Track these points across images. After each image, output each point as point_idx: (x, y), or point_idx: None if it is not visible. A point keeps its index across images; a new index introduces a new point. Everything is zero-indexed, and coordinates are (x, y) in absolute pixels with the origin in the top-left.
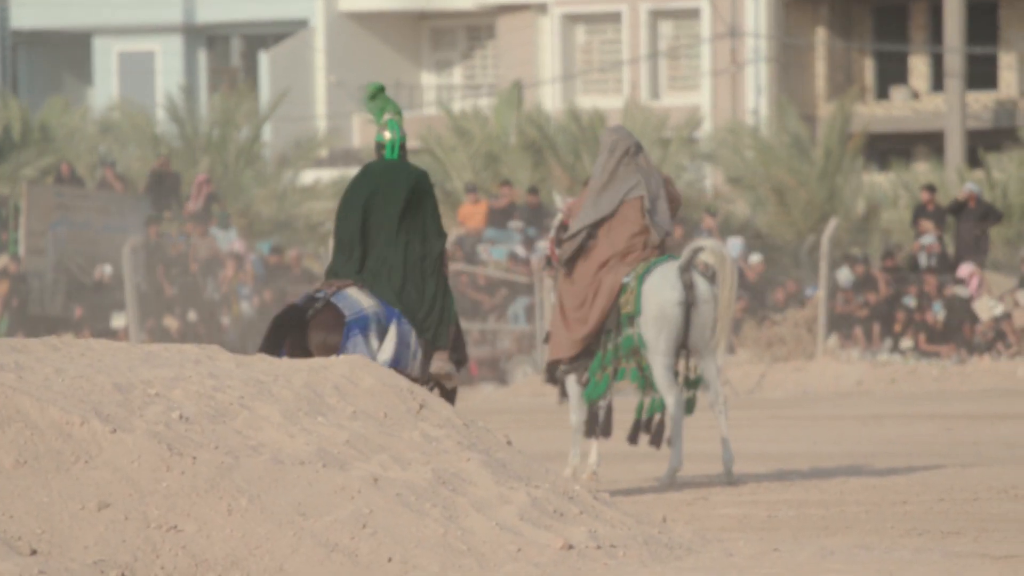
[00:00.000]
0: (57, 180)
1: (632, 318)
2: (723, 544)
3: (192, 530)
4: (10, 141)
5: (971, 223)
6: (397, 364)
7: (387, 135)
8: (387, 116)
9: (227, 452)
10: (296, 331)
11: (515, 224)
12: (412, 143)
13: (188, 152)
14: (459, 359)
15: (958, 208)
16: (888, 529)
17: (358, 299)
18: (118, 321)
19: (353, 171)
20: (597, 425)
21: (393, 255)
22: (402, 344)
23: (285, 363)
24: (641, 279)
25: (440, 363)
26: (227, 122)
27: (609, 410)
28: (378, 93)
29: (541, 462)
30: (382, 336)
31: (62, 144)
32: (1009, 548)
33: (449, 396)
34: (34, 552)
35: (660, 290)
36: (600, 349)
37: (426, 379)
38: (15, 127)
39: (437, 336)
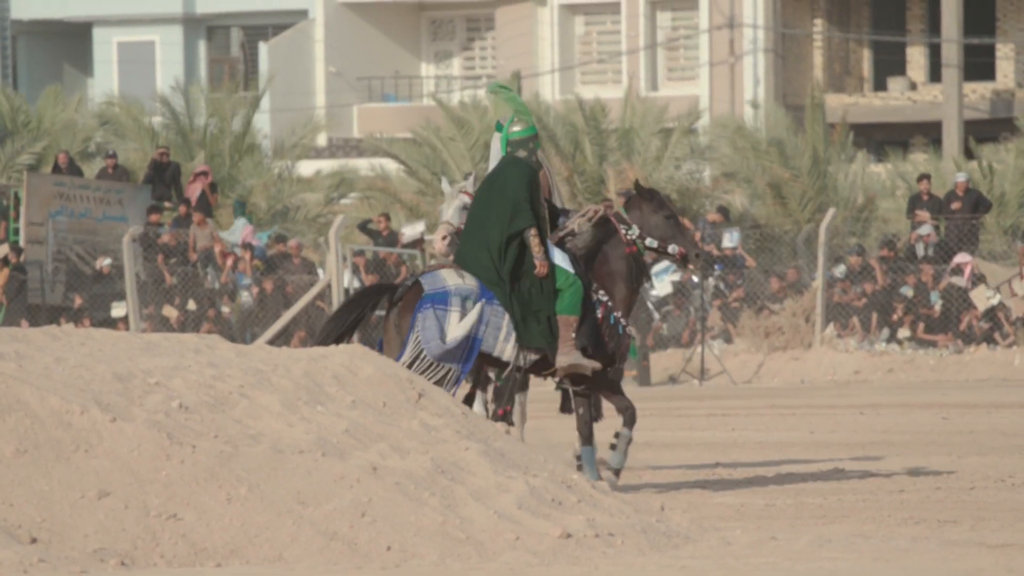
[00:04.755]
0: (55, 170)
1: None
2: (721, 533)
3: (192, 519)
4: (5, 131)
5: (962, 213)
6: (480, 344)
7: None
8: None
9: (227, 441)
10: (371, 304)
11: None
12: (408, 134)
13: (185, 144)
14: (583, 347)
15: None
16: (885, 518)
17: (445, 278)
18: (118, 310)
19: (353, 162)
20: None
21: (493, 240)
22: (486, 325)
23: (284, 353)
24: None
25: (563, 357)
26: (222, 113)
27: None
28: (500, 90)
29: (539, 451)
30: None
31: (58, 134)
32: (1005, 536)
33: (591, 391)
34: (34, 540)
35: None
36: None
37: (519, 364)
38: (8, 117)
39: (536, 326)
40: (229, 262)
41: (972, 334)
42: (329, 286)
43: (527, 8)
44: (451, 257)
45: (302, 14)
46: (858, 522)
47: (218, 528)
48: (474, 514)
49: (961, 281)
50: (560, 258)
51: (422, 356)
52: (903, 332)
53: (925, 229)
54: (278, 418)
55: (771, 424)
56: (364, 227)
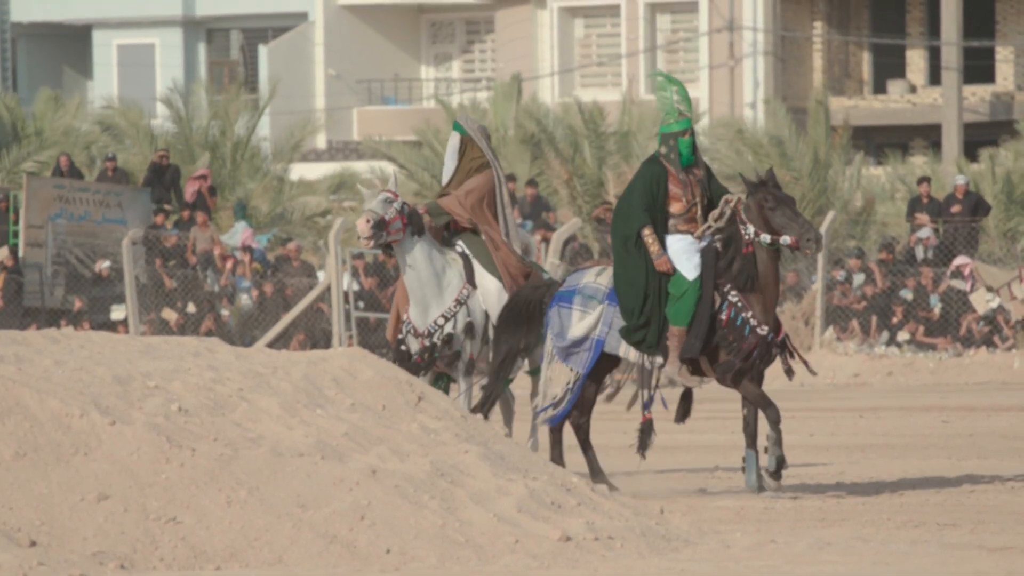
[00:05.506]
0: (56, 173)
1: None
2: (720, 536)
3: (191, 522)
4: (5, 135)
5: (961, 216)
6: (603, 344)
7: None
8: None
9: (226, 444)
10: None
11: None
12: (410, 136)
13: (186, 147)
14: (689, 349)
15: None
16: (885, 521)
17: (582, 276)
18: (117, 313)
19: (353, 165)
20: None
21: (627, 240)
22: (608, 326)
23: (284, 356)
24: None
25: (669, 367)
26: (222, 115)
27: None
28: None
29: (539, 454)
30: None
31: (57, 138)
32: (1005, 540)
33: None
34: (33, 543)
35: None
36: None
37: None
38: (7, 121)
39: (648, 335)
40: (229, 265)
41: (971, 337)
42: (328, 289)
43: (527, 11)
44: (371, 243)
45: (302, 17)
46: (858, 525)
47: (218, 531)
48: (473, 517)
49: (961, 284)
50: (686, 264)
51: (552, 355)
52: (902, 335)
53: (925, 232)
54: (277, 421)
55: None
56: None
